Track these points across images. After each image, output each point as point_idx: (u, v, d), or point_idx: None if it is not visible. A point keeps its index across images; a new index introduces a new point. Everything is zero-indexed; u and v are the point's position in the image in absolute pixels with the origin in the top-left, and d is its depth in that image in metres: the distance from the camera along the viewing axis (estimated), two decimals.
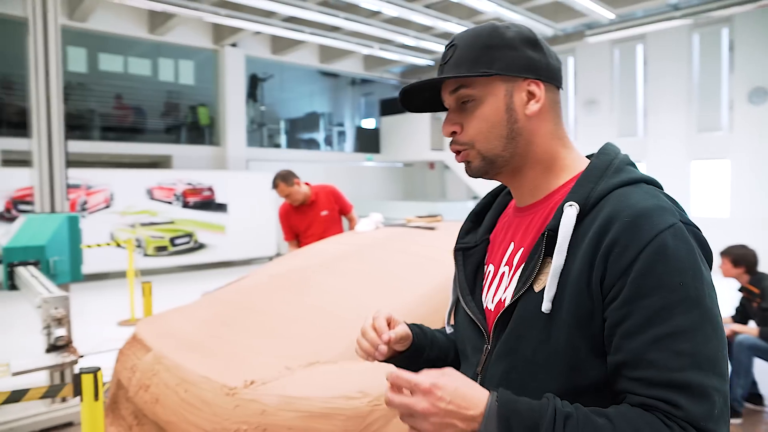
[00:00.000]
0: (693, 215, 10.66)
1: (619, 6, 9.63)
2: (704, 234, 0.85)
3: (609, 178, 0.87)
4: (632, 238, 0.77)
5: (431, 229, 3.41)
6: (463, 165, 0.97)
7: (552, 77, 0.93)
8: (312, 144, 14.97)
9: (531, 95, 0.90)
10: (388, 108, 15.39)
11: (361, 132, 15.87)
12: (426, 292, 2.42)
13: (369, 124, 16.38)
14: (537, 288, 0.85)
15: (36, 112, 3.70)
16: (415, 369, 1.03)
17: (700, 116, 10.55)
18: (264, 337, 2.31)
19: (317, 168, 13.72)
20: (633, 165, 0.92)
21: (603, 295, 0.79)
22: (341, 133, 15.67)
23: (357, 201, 13.44)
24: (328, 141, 15.29)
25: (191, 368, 2.07)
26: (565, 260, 0.82)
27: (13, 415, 3.48)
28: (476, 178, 0.96)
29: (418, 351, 1.08)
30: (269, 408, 1.84)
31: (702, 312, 0.75)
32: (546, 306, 0.82)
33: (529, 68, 0.90)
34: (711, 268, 0.83)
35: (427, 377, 0.76)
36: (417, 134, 14.12)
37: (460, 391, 0.76)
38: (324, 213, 4.22)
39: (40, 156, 3.69)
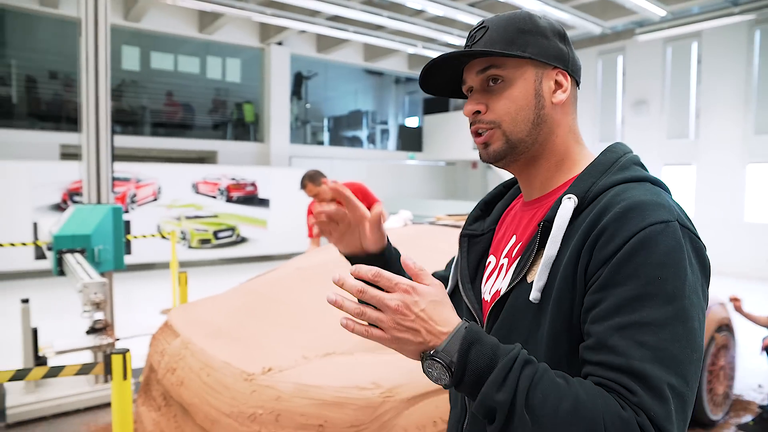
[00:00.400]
0: (747, 220, 10.23)
1: (672, 3, 9.32)
2: (703, 244, 0.81)
3: (613, 174, 0.86)
4: (620, 228, 0.75)
5: (459, 227, 3.43)
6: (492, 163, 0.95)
7: (576, 72, 0.94)
8: (355, 142, 15.11)
9: (558, 85, 0.91)
10: (432, 107, 15.38)
11: (404, 130, 15.91)
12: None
13: (412, 122, 16.40)
14: (530, 279, 0.85)
15: (86, 109, 3.91)
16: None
17: (758, 118, 10.08)
18: (285, 327, 2.40)
19: (360, 165, 13.86)
20: (641, 165, 0.91)
21: (585, 283, 0.78)
22: (384, 131, 15.75)
23: (398, 199, 13.53)
24: (371, 139, 15.39)
25: (214, 354, 2.18)
26: (560, 252, 0.82)
27: (62, 392, 3.70)
28: (492, 162, 0.94)
29: (390, 263, 1.08)
30: (284, 394, 1.92)
31: (676, 310, 0.72)
32: (534, 295, 0.82)
33: (559, 58, 0.91)
34: (707, 282, 0.80)
35: (408, 280, 0.75)
36: (460, 133, 14.04)
37: (437, 305, 0.75)
38: None
39: (88, 150, 3.90)
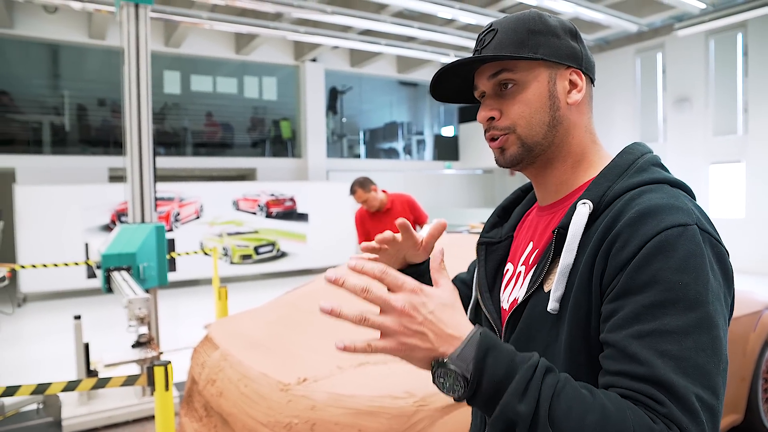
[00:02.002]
0: None
1: None
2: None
3: (629, 177, 0.82)
4: (635, 233, 0.72)
5: None
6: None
7: (590, 70, 0.91)
8: (391, 153, 15.19)
9: (573, 84, 0.88)
10: (467, 115, 15.34)
11: (440, 140, 15.90)
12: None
13: (448, 131, 16.39)
14: (546, 288, 0.83)
15: (129, 133, 4.09)
16: None
17: None
18: (320, 338, 2.45)
19: (397, 177, 13.92)
20: (662, 166, 0.87)
21: (602, 291, 0.75)
22: (420, 142, 15.78)
23: (436, 208, 13.49)
24: (408, 150, 15.44)
25: (251, 365, 2.24)
26: (576, 259, 0.79)
27: (112, 405, 3.85)
28: (508, 167, 0.91)
29: (424, 273, 1.07)
30: (318, 404, 1.95)
31: (700, 317, 0.68)
32: (552, 306, 0.79)
33: (572, 57, 0.88)
34: (730, 289, 0.76)
35: (418, 282, 0.71)
36: None
37: (447, 308, 0.70)
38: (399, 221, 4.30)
39: (132, 172, 4.08)
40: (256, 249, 10.55)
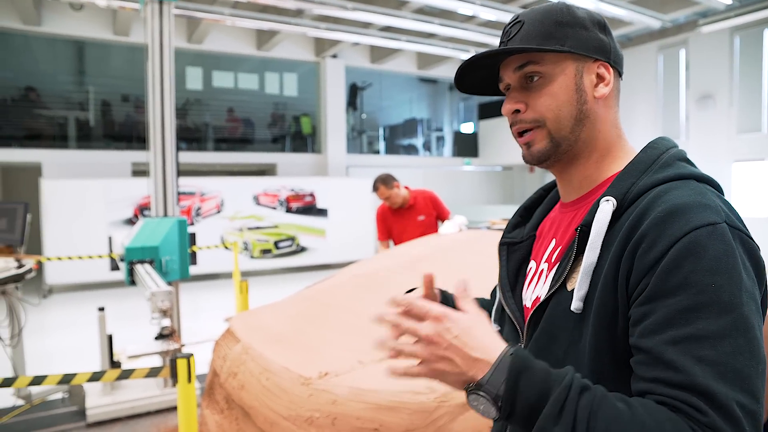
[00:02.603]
0: None
1: None
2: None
3: (654, 173, 0.80)
4: (662, 233, 0.70)
5: None
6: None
7: (619, 63, 0.89)
8: (411, 149, 15.17)
9: (600, 78, 0.86)
10: (487, 112, 15.23)
11: (459, 136, 15.83)
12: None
13: (468, 128, 16.31)
14: (570, 286, 0.81)
15: (152, 128, 4.14)
16: None
17: None
18: (341, 332, 2.45)
19: (416, 173, 13.89)
20: (688, 161, 0.84)
21: (629, 294, 0.73)
22: (440, 138, 15.73)
23: (455, 205, 13.45)
24: (427, 146, 15.40)
25: (273, 359, 2.25)
26: (600, 258, 0.77)
27: (135, 395, 3.91)
28: (535, 163, 0.90)
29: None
30: (339, 398, 1.96)
31: (735, 320, 0.66)
32: (576, 305, 0.78)
33: (600, 50, 0.86)
34: (764, 285, 0.74)
35: (442, 307, 0.73)
36: None
37: (472, 330, 0.72)
38: (421, 218, 4.28)
39: (155, 166, 4.13)
40: (275, 243, 10.61)
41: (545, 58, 0.85)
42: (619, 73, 0.90)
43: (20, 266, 3.70)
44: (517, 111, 0.88)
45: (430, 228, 4.29)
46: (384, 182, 4.21)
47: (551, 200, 1.03)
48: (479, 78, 0.94)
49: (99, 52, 10.94)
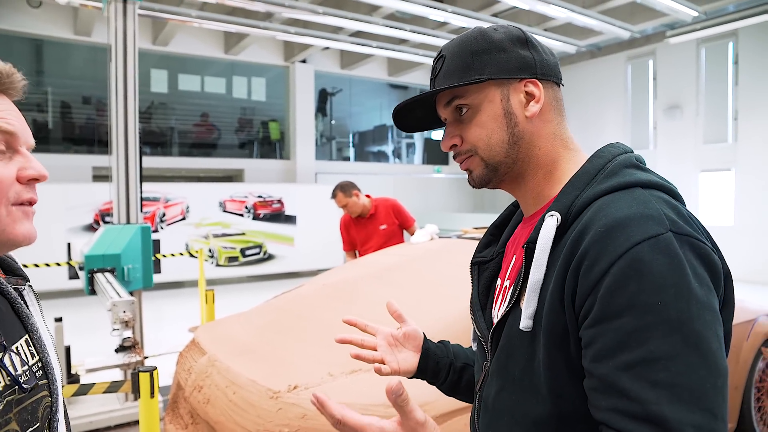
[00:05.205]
0: None
1: (705, 2, 9.05)
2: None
3: (598, 183, 0.78)
4: (603, 250, 0.69)
5: None
6: None
7: (549, 74, 0.87)
8: (381, 156, 15.16)
9: (530, 96, 0.85)
10: None
11: (429, 143, 15.90)
12: (468, 307, 2.41)
13: (438, 135, 16.40)
14: (522, 304, 0.81)
15: (115, 131, 4.00)
16: (443, 380, 1.11)
17: None
18: (311, 344, 2.38)
19: (386, 180, 13.88)
20: (638, 167, 0.81)
21: (576, 312, 0.72)
22: (410, 145, 15.77)
23: (425, 213, 13.50)
24: (397, 153, 15.42)
25: (240, 371, 2.17)
26: (547, 275, 0.77)
27: (93, 410, 3.75)
28: (480, 187, 0.91)
29: (433, 358, 1.10)
30: (309, 412, 1.89)
31: (685, 336, 0.64)
32: (524, 323, 0.78)
33: (522, 68, 0.85)
34: (720, 287, 0.72)
35: (376, 423, 0.77)
36: None
37: None
38: (383, 227, 4.21)
39: (117, 171, 3.98)
40: (242, 251, 10.44)
41: (468, 90, 0.86)
42: (555, 83, 0.88)
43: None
44: (455, 145, 0.90)
45: (394, 237, 4.22)
46: (342, 189, 4.14)
47: (519, 216, 1.01)
48: (416, 118, 0.97)
49: (58, 51, 10.59)
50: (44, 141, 10.57)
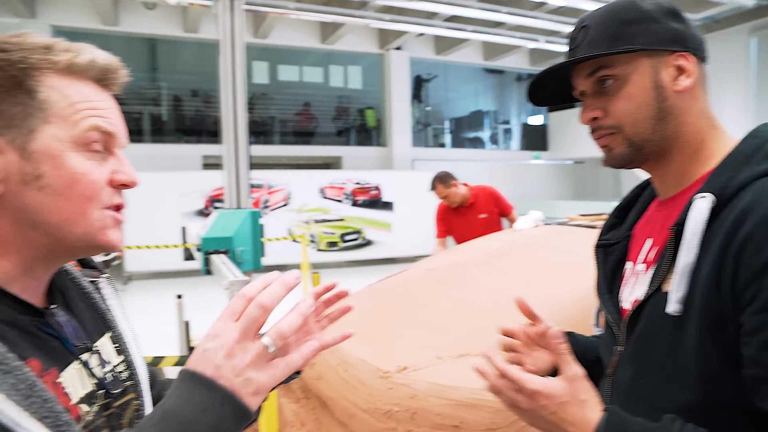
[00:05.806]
0: None
1: None
2: None
3: (755, 164, 0.74)
4: None
5: (594, 227, 3.23)
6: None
7: (699, 49, 0.83)
8: (477, 143, 14.95)
9: (680, 70, 0.81)
10: None
11: (527, 129, 15.45)
12: (579, 293, 2.31)
13: (536, 120, 15.88)
14: (665, 288, 0.78)
15: (225, 121, 4.22)
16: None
17: None
18: (417, 327, 2.40)
19: (482, 167, 13.66)
20: None
21: (736, 297, 0.69)
22: (507, 131, 15.42)
23: (523, 200, 13.18)
24: (494, 139, 15.13)
25: (350, 351, 2.23)
26: (699, 258, 0.74)
27: None
28: (618, 167, 0.88)
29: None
30: (419, 393, 1.91)
31: None
32: (672, 307, 0.75)
33: (675, 40, 0.81)
34: None
35: (535, 380, 0.77)
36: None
37: (567, 407, 0.75)
38: (482, 216, 4.14)
39: (228, 159, 4.21)
40: (342, 236, 10.73)
41: (617, 60, 0.82)
42: (702, 60, 0.84)
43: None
44: (596, 118, 0.85)
45: (493, 225, 4.14)
46: (441, 181, 4.10)
47: (647, 198, 0.98)
48: (551, 90, 0.93)
49: (170, 48, 11.36)
50: (159, 132, 11.43)
